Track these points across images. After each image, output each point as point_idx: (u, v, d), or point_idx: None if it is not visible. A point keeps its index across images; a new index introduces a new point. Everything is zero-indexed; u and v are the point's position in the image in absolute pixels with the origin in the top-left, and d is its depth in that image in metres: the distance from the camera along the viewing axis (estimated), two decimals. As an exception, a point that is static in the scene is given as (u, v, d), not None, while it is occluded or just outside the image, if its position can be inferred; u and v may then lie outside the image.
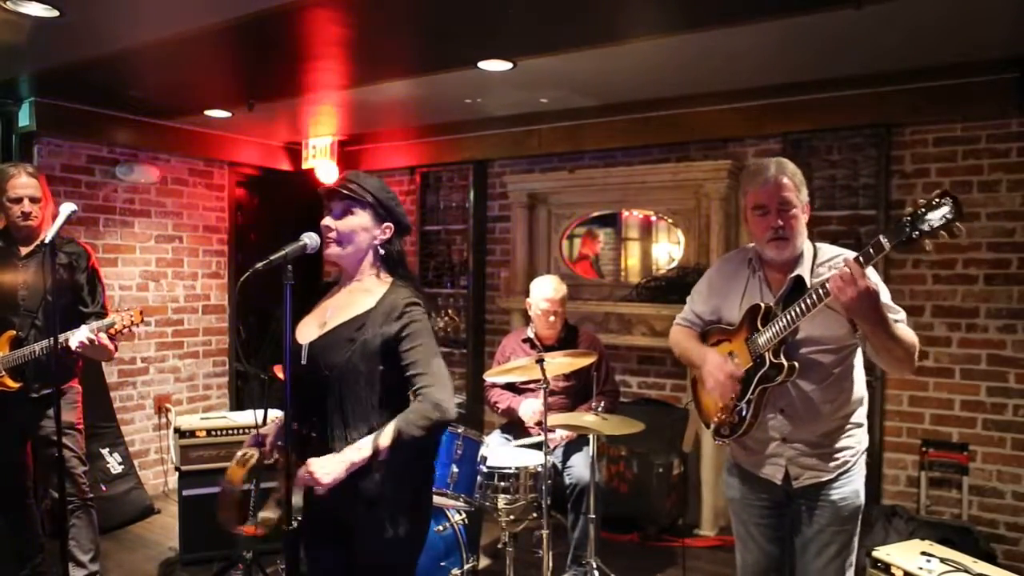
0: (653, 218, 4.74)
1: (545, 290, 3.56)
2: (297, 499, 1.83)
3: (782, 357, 2.05)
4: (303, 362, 1.87)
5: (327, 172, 5.49)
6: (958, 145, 3.78)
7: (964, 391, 3.79)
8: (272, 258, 1.77)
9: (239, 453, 1.97)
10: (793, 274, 2.11)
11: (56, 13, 2.85)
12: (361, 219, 1.91)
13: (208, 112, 4.56)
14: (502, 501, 3.05)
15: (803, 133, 4.10)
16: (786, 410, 2.14)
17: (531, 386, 3.61)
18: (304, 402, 1.85)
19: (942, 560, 2.78)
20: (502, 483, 3.06)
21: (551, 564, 3.10)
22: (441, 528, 3.10)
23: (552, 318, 3.55)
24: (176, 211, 5.21)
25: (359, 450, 1.76)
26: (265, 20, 2.88)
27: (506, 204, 5.15)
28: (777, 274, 2.16)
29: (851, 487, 2.15)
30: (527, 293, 3.70)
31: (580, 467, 3.37)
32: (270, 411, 2.02)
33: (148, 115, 4.70)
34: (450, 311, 3.80)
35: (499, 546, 3.41)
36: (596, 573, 3.19)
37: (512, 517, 3.08)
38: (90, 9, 2.86)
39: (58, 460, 2.73)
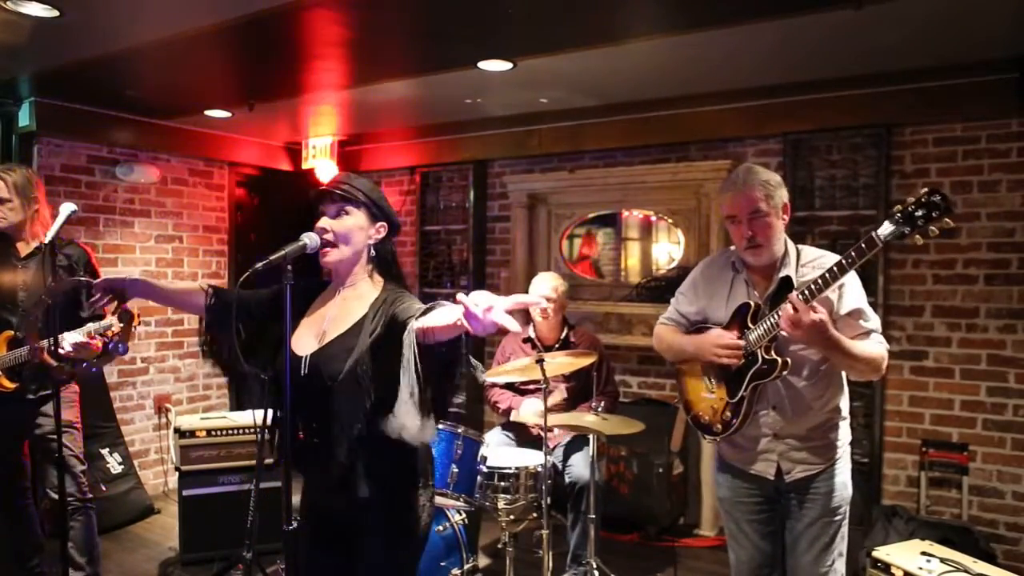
0: (653, 218, 4.74)
1: (539, 284, 3.59)
2: (296, 500, 1.83)
3: (773, 353, 2.10)
4: (303, 372, 1.85)
5: (327, 172, 5.49)
6: (958, 145, 3.78)
7: (964, 391, 3.79)
8: (272, 258, 1.76)
9: None
10: (780, 275, 2.16)
11: (56, 13, 2.85)
12: (356, 219, 1.91)
13: (208, 112, 4.56)
14: (502, 501, 3.05)
15: (803, 133, 4.10)
16: (778, 406, 2.19)
17: (531, 386, 3.61)
18: (303, 409, 1.84)
19: (942, 560, 2.78)
20: (502, 483, 3.06)
21: (551, 564, 3.10)
22: (441, 528, 3.10)
23: (546, 308, 3.53)
24: (176, 211, 5.21)
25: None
26: (265, 20, 2.88)
27: (506, 204, 5.16)
28: (760, 276, 2.22)
29: (840, 478, 2.21)
30: (527, 293, 3.70)
31: (580, 467, 3.37)
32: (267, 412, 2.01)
33: (148, 115, 4.70)
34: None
35: (499, 546, 3.41)
36: (596, 573, 3.19)
37: (512, 517, 3.08)
38: (90, 9, 2.86)
39: (58, 460, 2.72)
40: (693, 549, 4.14)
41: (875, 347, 2.09)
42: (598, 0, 2.73)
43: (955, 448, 3.78)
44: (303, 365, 1.86)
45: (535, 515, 3.11)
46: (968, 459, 3.74)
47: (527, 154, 5.01)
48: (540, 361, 3.07)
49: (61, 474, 2.74)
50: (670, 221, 4.60)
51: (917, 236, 1.83)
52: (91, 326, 2.86)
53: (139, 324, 2.99)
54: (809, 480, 2.19)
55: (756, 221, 2.12)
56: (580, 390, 3.59)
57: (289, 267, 1.77)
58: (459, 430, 3.12)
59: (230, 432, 3.88)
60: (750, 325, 2.13)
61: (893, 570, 2.81)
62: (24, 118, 4.26)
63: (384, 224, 1.96)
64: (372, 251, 1.96)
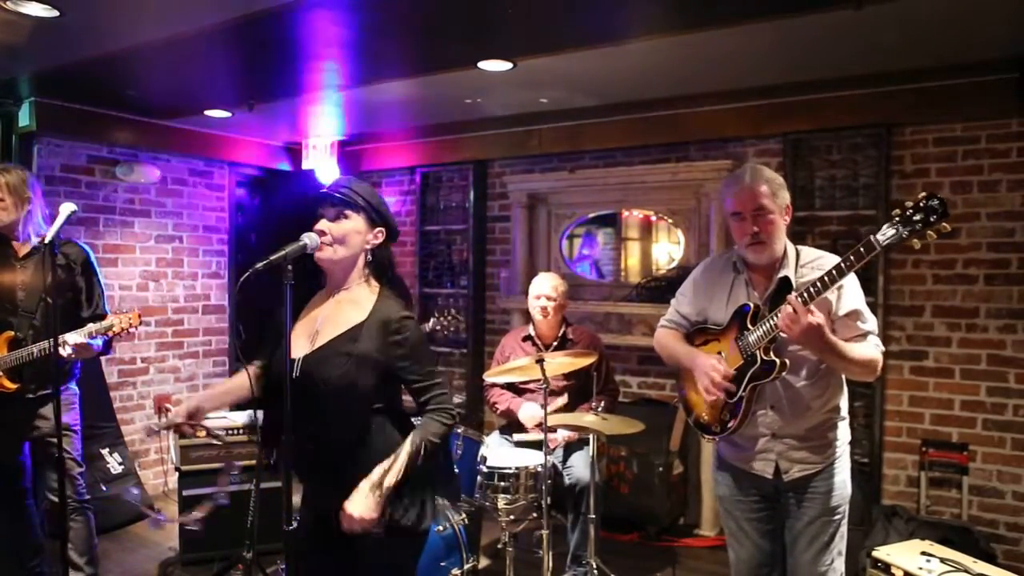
0: (653, 218, 4.74)
1: (539, 284, 3.60)
2: (296, 500, 1.84)
3: (772, 354, 2.10)
4: (295, 375, 1.85)
5: (327, 172, 5.49)
6: (958, 145, 3.78)
7: (964, 391, 3.79)
8: (272, 258, 1.76)
9: None
10: (779, 275, 2.17)
11: (56, 13, 2.85)
12: (355, 223, 1.92)
13: (208, 112, 4.56)
14: (502, 501, 3.05)
15: (803, 133, 4.10)
16: (776, 406, 2.19)
17: (531, 386, 3.61)
18: (296, 413, 1.84)
19: (942, 560, 2.78)
20: (502, 483, 3.06)
21: (551, 564, 3.10)
22: (441, 528, 3.10)
23: (547, 307, 3.54)
24: (176, 211, 5.21)
25: (385, 473, 1.79)
26: (265, 20, 2.88)
27: (506, 204, 5.15)
28: (760, 276, 2.23)
29: (839, 477, 2.21)
30: (527, 293, 3.70)
31: (580, 467, 3.37)
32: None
33: (148, 115, 4.69)
34: (452, 311, 3.80)
35: (499, 546, 3.41)
36: (596, 573, 3.19)
37: (512, 517, 3.08)
38: (90, 9, 2.86)
39: (58, 461, 2.72)
40: (693, 549, 4.14)
41: (871, 350, 2.10)
42: (598, 0, 2.73)
43: (955, 448, 3.78)
44: (295, 367, 1.87)
45: (535, 515, 3.11)
46: (968, 459, 3.74)
47: (527, 154, 5.01)
48: (540, 361, 3.07)
49: (61, 476, 2.74)
50: (670, 221, 4.60)
51: (915, 240, 1.83)
52: (92, 326, 2.87)
53: (139, 324, 2.98)
54: (808, 479, 2.20)
55: (761, 218, 2.13)
56: (580, 389, 3.59)
57: (289, 267, 1.78)
58: (459, 430, 3.12)
59: (230, 432, 3.87)
60: (750, 326, 2.14)
61: (893, 570, 2.81)
62: (24, 118, 4.25)
63: (382, 229, 1.97)
64: (369, 255, 1.97)
